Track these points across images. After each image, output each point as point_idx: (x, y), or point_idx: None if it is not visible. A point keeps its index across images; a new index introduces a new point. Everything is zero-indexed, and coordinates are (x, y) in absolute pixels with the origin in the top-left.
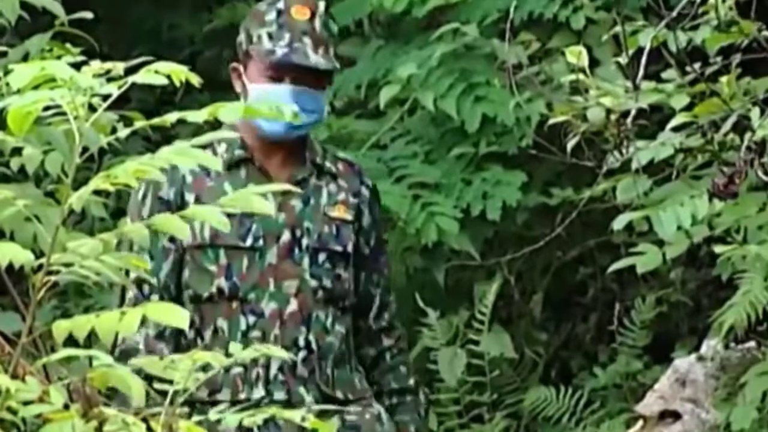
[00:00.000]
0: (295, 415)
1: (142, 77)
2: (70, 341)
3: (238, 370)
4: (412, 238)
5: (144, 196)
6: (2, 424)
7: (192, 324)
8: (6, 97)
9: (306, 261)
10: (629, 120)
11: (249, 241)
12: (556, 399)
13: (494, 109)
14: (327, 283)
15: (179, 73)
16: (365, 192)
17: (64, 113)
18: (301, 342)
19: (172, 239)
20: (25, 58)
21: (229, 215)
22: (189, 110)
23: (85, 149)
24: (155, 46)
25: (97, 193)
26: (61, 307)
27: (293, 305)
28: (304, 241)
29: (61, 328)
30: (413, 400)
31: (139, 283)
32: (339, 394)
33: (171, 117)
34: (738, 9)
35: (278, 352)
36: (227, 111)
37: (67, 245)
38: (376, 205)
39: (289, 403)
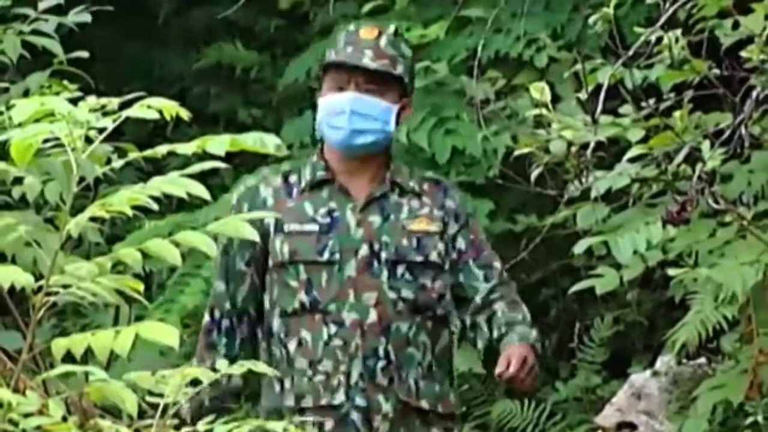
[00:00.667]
0: (277, 426)
1: (135, 111)
2: (68, 358)
3: (320, 377)
4: None
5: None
6: None
7: (278, 336)
8: (8, 130)
9: (384, 273)
10: (589, 152)
11: (326, 256)
12: (520, 411)
13: (463, 142)
14: (408, 294)
15: (170, 108)
16: (450, 204)
17: (62, 145)
18: (381, 352)
19: (248, 263)
20: (26, 93)
21: (307, 233)
22: (179, 143)
23: (81, 179)
24: (147, 82)
25: (93, 219)
26: (59, 326)
27: (373, 316)
28: (383, 255)
29: (59, 345)
30: (524, 329)
31: (212, 309)
32: (424, 404)
33: (162, 149)
34: (690, 49)
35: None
36: (214, 144)
37: (65, 268)
38: (464, 214)
39: (368, 410)
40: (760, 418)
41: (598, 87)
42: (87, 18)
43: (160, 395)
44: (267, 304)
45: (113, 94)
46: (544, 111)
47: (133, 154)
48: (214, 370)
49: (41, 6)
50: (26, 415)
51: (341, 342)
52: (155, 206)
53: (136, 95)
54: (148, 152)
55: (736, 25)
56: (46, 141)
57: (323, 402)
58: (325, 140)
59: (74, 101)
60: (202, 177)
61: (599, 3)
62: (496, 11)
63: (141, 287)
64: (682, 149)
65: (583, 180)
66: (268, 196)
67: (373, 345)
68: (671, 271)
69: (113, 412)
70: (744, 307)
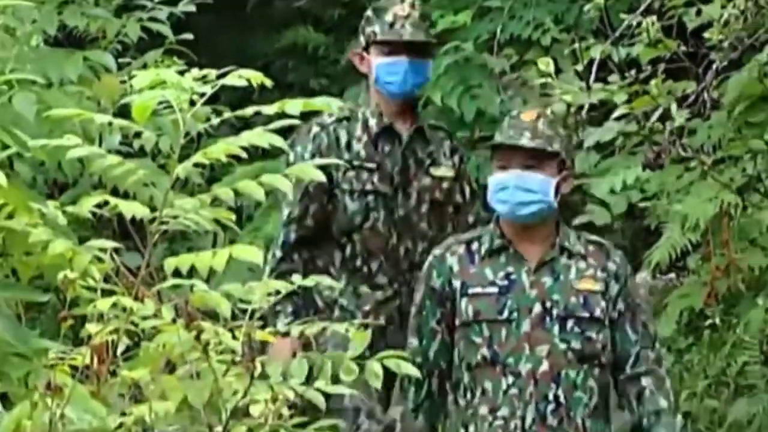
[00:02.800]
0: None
1: (229, 80)
2: (177, 273)
3: (499, 422)
4: None
5: (423, 283)
6: (127, 333)
7: (464, 387)
8: (130, 95)
9: (556, 328)
10: (584, 112)
11: (505, 314)
12: None
13: (485, 105)
14: (576, 345)
15: (255, 77)
16: (612, 266)
17: (172, 107)
18: (551, 396)
19: (438, 322)
20: (144, 67)
21: (488, 294)
22: (263, 105)
23: (187, 133)
24: (239, 59)
25: (196, 165)
26: (170, 249)
27: (545, 365)
28: (554, 312)
29: (170, 263)
30: (668, 420)
31: (412, 362)
32: None
33: (249, 110)
34: (663, 31)
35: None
36: (291, 106)
37: (174, 203)
38: (624, 276)
39: None
40: (717, 320)
41: (591, 61)
42: (192, 8)
43: (249, 302)
44: (456, 359)
45: (212, 67)
46: (548, 80)
47: (227, 114)
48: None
49: None
50: (144, 318)
51: (517, 390)
52: (244, 154)
53: (230, 68)
54: (239, 112)
55: (699, 12)
56: (159, 103)
57: None
58: (502, 214)
59: (181, 73)
60: (281, 132)
61: None
62: (510, 2)
63: (233, 217)
64: (656, 110)
65: (579, 134)
66: (454, 264)
67: (544, 391)
68: (648, 205)
69: (212, 315)
70: (705, 233)
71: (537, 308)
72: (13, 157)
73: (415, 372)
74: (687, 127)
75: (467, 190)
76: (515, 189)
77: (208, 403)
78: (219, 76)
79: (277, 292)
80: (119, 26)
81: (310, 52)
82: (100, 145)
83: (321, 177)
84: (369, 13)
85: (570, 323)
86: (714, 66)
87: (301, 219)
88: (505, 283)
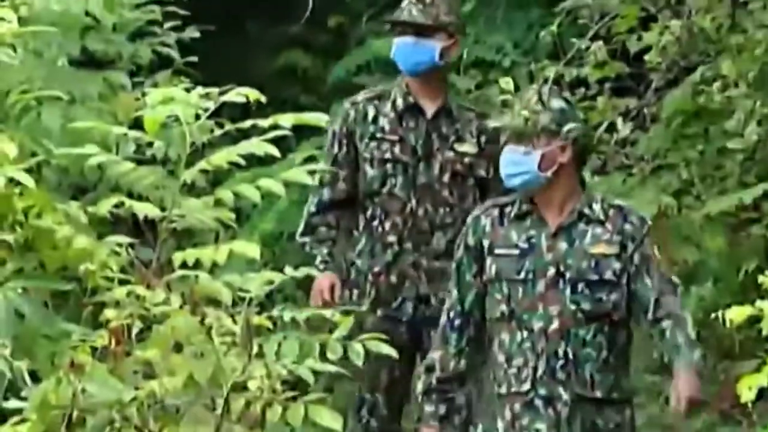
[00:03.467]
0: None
1: (229, 97)
2: (184, 266)
3: (513, 370)
4: None
5: (462, 241)
6: (140, 318)
7: (486, 338)
8: (143, 110)
9: (567, 290)
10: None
11: (523, 275)
12: None
13: None
14: (585, 306)
15: (253, 94)
16: (628, 227)
17: (179, 120)
18: (560, 352)
19: (474, 275)
20: (155, 85)
21: (510, 255)
22: (259, 119)
23: (192, 143)
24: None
25: (201, 171)
26: (178, 244)
27: (555, 324)
28: (567, 275)
29: (178, 257)
30: (686, 352)
31: (447, 311)
32: (598, 394)
33: (247, 123)
34: (609, 54)
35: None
36: (283, 119)
37: (182, 204)
38: (639, 235)
39: (549, 398)
40: None
41: (546, 80)
42: (197, 33)
43: (247, 291)
44: (486, 312)
45: (214, 86)
46: (508, 97)
47: (228, 127)
48: (443, 360)
49: (166, 26)
50: (155, 305)
51: (530, 344)
52: (243, 162)
53: (230, 87)
54: (238, 125)
55: (640, 38)
56: (168, 117)
57: (513, 389)
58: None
59: (187, 90)
60: (275, 142)
61: (547, 23)
62: (476, 29)
63: (233, 217)
64: (603, 123)
65: None
66: (487, 224)
67: (554, 347)
68: None
69: (215, 302)
70: None
71: (551, 271)
72: (41, 163)
73: (393, 353)
74: (630, 139)
75: (492, 167)
76: (505, 164)
77: (210, 379)
78: (220, 93)
79: (270, 282)
80: (133, 50)
81: (300, 73)
82: (116, 153)
83: (308, 180)
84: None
85: (581, 286)
86: (653, 85)
87: (332, 183)
88: (526, 246)
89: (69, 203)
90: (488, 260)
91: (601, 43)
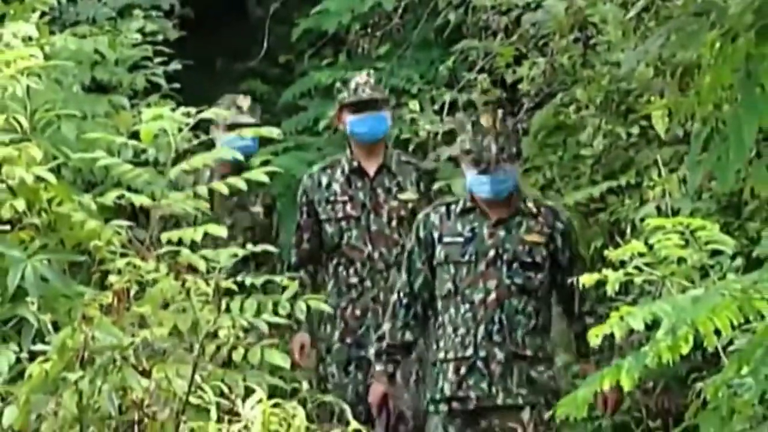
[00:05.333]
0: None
1: (203, 115)
2: (170, 242)
3: (458, 338)
4: None
5: (414, 234)
6: (136, 282)
7: (438, 311)
8: (139, 124)
9: (504, 268)
10: (439, 136)
11: (466, 258)
12: None
13: None
14: (518, 281)
15: (221, 113)
16: (559, 225)
17: (167, 132)
18: (496, 319)
19: (423, 262)
20: (148, 106)
21: (455, 243)
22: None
23: (176, 150)
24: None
25: (183, 171)
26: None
27: (493, 296)
28: (504, 257)
29: (164, 236)
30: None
31: (398, 292)
32: (528, 353)
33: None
34: (492, 83)
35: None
36: (246, 132)
37: (169, 195)
38: (569, 235)
39: (487, 359)
40: None
41: (443, 104)
42: (179, 66)
43: (217, 262)
44: (436, 291)
45: (193, 107)
46: (416, 116)
47: (203, 138)
48: (392, 331)
49: (156, 60)
50: (147, 272)
51: (471, 314)
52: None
53: (203, 107)
54: (210, 136)
55: (515, 71)
56: (159, 130)
57: (459, 354)
58: (469, 189)
59: (173, 110)
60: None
61: (445, 59)
62: (391, 64)
63: (207, 206)
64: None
65: (437, 150)
66: (436, 219)
67: (491, 315)
68: None
69: (194, 270)
70: None
71: (491, 254)
72: (60, 165)
73: (329, 309)
74: None
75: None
76: (493, 182)
77: (190, 329)
78: (197, 112)
79: (235, 255)
80: (131, 79)
81: (258, 97)
82: (119, 157)
83: (264, 179)
84: (338, 85)
85: (515, 265)
86: (524, 106)
87: (298, 245)
88: (470, 234)
89: (82, 195)
90: (438, 248)
91: (485, 75)
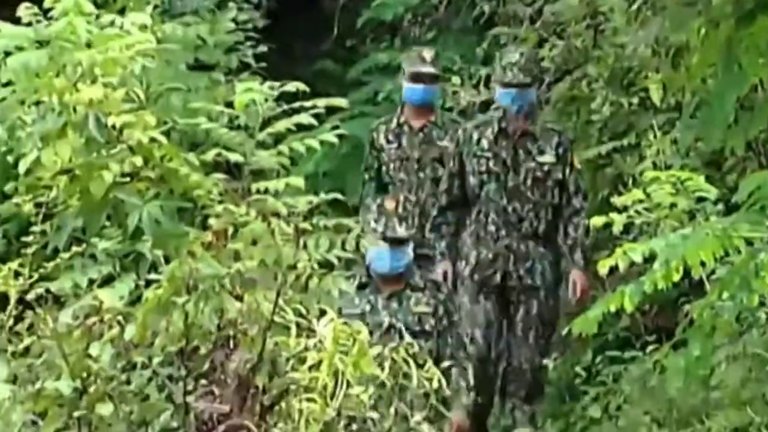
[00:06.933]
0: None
1: (285, 88)
2: (258, 191)
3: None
4: None
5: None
6: (232, 224)
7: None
8: (233, 96)
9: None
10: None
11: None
12: None
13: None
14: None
15: (299, 87)
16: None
17: (255, 102)
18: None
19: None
20: (240, 81)
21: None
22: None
23: (263, 117)
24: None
25: (268, 134)
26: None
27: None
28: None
29: (254, 186)
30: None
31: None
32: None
33: (296, 105)
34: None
35: None
36: (320, 102)
37: (256, 154)
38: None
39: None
40: None
41: (480, 78)
42: (265, 49)
43: (296, 207)
44: None
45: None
46: (457, 88)
47: (285, 107)
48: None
49: (246, 44)
50: (240, 216)
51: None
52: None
53: (285, 82)
54: (291, 105)
55: (538, 53)
56: (249, 100)
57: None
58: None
59: (261, 84)
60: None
61: (480, 43)
62: (436, 46)
63: (288, 162)
64: None
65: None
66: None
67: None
68: None
69: (277, 214)
70: None
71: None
72: (170, 129)
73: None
74: None
75: (567, 170)
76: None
77: (274, 262)
78: (280, 86)
79: (310, 202)
80: (227, 59)
81: (328, 74)
82: (217, 123)
83: (333, 139)
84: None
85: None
86: (546, 81)
87: (448, 191)
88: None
89: (188, 153)
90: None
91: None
